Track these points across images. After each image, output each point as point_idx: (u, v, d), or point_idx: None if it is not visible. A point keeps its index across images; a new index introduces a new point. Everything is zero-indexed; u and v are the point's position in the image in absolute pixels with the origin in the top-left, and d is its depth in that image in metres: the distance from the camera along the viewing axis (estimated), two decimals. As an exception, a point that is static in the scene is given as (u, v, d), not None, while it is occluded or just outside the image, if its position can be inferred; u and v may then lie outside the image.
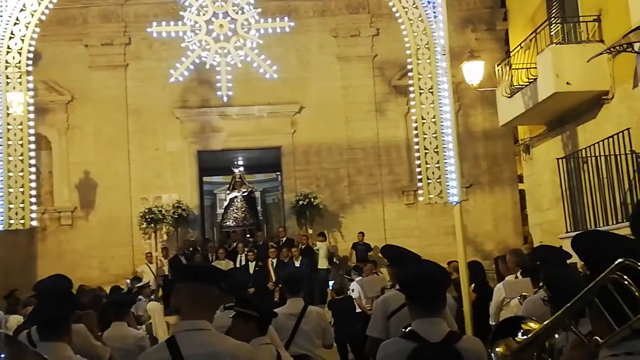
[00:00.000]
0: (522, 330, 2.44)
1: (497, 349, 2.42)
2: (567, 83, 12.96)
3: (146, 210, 18.25)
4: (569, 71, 12.98)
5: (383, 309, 5.17)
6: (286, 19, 11.74)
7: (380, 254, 15.06)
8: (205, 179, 22.23)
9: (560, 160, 13.84)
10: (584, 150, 13.40)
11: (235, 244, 18.08)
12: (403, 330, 3.52)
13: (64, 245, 18.49)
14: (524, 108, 14.51)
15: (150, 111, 19.00)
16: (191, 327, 3.15)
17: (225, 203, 22.86)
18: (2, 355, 2.65)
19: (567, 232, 13.18)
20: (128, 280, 15.40)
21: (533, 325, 2.45)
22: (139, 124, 19.08)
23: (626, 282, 2.02)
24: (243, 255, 16.98)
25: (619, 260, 2.05)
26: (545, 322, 2.39)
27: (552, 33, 14.07)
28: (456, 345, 3.37)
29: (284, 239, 17.92)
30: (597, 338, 2.06)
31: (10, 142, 9.87)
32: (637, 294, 2.00)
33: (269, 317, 4.66)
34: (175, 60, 11.44)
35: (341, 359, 11.01)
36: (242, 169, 22.89)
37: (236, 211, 21.67)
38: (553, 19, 14.42)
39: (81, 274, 15.62)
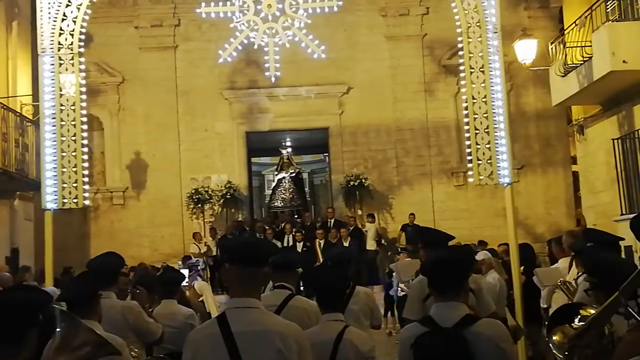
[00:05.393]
0: (579, 317, 2.35)
1: (554, 337, 2.34)
2: (624, 61, 12.60)
3: (193, 191, 18.47)
4: (625, 49, 12.61)
5: (419, 292, 5.09)
6: (334, -2, 11.63)
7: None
8: (253, 159, 22.36)
9: (615, 141, 13.49)
10: (640, 131, 13.04)
11: (282, 225, 18.17)
12: None
13: (115, 225, 18.86)
14: (579, 87, 14.17)
15: (199, 92, 19.16)
16: (241, 304, 3.18)
17: (273, 184, 22.94)
18: (58, 330, 2.70)
19: (622, 214, 12.85)
20: (180, 262, 15.52)
21: (592, 311, 2.35)
22: (188, 105, 19.26)
23: None
24: (290, 235, 17.06)
25: None
26: (601, 306, 2.29)
27: (608, 10, 13.65)
28: (470, 329, 3.32)
29: (333, 220, 17.92)
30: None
31: (63, 123, 10.03)
32: None
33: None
34: (224, 41, 11.44)
35: None
36: (289, 149, 22.92)
37: (284, 192, 21.74)
38: (610, -5, 13.99)
39: (132, 252, 15.93)
